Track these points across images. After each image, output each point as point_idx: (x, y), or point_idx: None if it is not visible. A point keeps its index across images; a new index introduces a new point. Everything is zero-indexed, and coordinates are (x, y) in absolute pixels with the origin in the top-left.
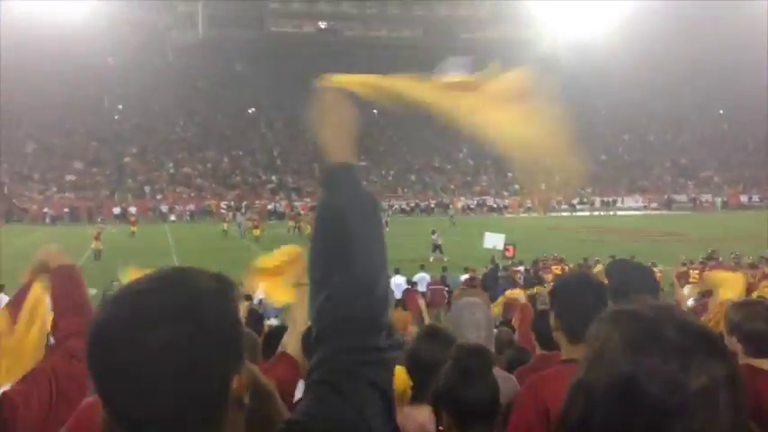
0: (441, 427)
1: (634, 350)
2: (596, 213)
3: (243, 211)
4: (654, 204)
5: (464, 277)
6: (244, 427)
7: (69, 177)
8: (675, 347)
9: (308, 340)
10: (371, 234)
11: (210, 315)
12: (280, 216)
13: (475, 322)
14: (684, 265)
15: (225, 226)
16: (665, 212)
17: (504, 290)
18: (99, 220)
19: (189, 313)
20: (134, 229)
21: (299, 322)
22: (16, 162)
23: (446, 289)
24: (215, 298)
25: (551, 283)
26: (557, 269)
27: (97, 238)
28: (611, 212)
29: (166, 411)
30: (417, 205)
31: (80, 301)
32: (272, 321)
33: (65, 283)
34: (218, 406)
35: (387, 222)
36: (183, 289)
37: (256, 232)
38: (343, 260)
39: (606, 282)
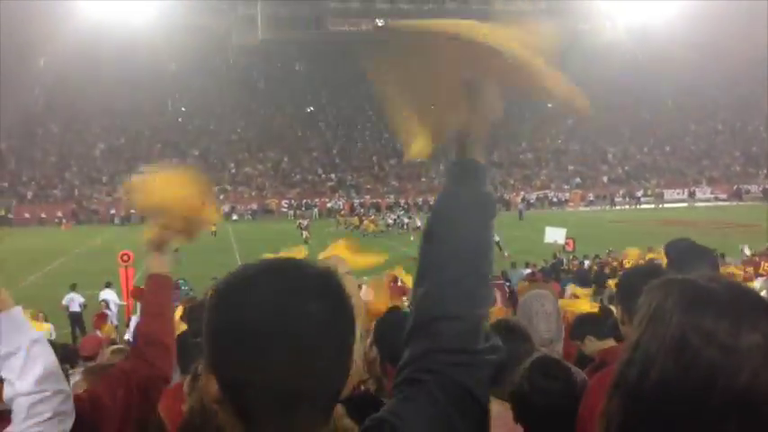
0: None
1: (686, 311)
2: (662, 206)
3: (303, 210)
4: (723, 195)
5: (526, 272)
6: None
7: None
8: (727, 307)
9: (381, 331)
10: (486, 236)
11: (344, 294)
12: (340, 214)
13: (545, 314)
14: (755, 256)
15: (297, 223)
16: (735, 203)
17: (567, 284)
18: None
19: (329, 289)
20: (214, 228)
21: None
22: (85, 165)
23: (507, 284)
24: (338, 278)
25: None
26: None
27: None
28: (678, 204)
29: (323, 383)
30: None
31: (165, 311)
32: None
33: (157, 290)
34: (342, 386)
35: None
36: (314, 267)
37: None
38: (453, 258)
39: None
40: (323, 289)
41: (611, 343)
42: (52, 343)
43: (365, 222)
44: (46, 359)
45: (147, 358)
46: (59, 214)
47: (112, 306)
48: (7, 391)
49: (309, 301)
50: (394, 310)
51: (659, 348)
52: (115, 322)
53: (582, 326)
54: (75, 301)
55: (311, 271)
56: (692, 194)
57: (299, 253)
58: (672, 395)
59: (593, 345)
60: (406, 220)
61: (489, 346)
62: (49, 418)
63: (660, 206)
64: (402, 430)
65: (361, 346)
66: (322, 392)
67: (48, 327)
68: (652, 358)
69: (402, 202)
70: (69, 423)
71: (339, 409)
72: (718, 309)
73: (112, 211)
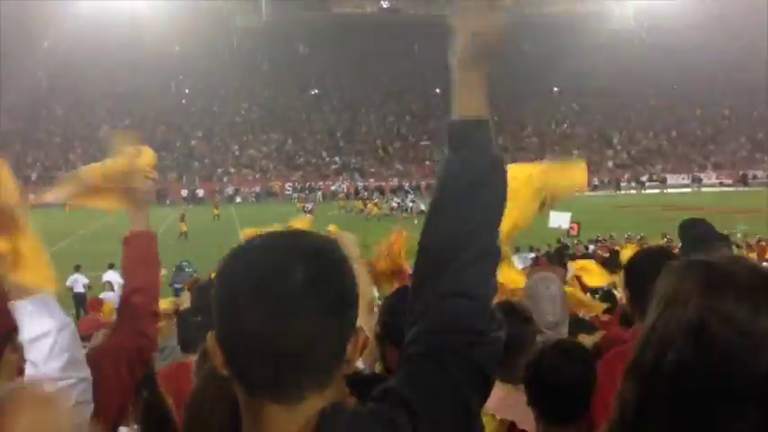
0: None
1: (705, 293)
2: (666, 191)
3: (306, 194)
4: (729, 181)
5: (530, 256)
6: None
7: None
8: (746, 290)
9: (390, 309)
10: (496, 206)
11: (340, 263)
12: (346, 197)
13: (550, 297)
14: (760, 241)
15: (299, 206)
16: (740, 189)
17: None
18: (167, 202)
19: (324, 256)
20: (217, 211)
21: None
22: (89, 147)
23: None
24: (338, 249)
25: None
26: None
27: (182, 219)
28: (683, 190)
29: (301, 344)
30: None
31: (150, 269)
32: None
33: (139, 247)
34: (338, 354)
35: None
36: (312, 238)
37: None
38: (463, 231)
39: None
40: (309, 251)
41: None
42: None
43: (369, 206)
44: (73, 345)
45: (137, 329)
46: None
47: (116, 287)
48: (31, 372)
49: (293, 263)
50: (404, 289)
51: (677, 331)
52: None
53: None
54: (79, 282)
55: (302, 238)
56: (696, 180)
57: (305, 223)
58: (688, 379)
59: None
60: (410, 204)
61: (496, 323)
62: (74, 406)
63: (665, 191)
64: (412, 401)
65: (370, 320)
66: (312, 352)
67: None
68: (669, 341)
69: (406, 185)
70: (89, 411)
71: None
72: (738, 291)
73: None
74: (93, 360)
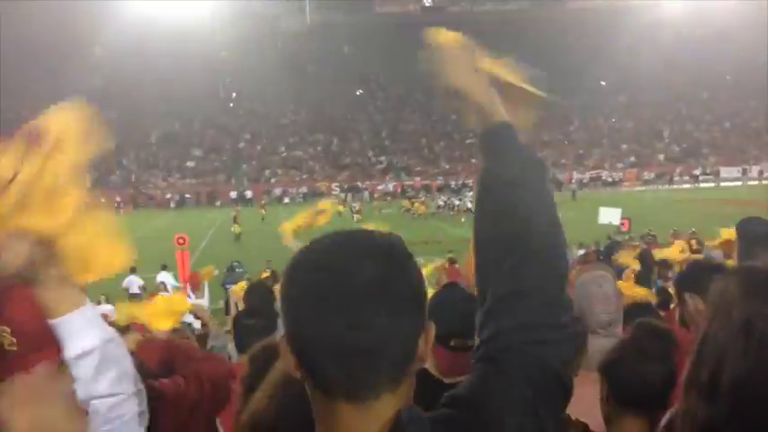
0: (600, 396)
1: (748, 297)
2: (721, 184)
3: (353, 195)
4: None
5: (580, 252)
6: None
7: (190, 164)
8: None
9: (432, 306)
10: (545, 203)
11: (409, 263)
12: (392, 196)
13: (603, 295)
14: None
15: (340, 208)
16: None
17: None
18: (218, 203)
19: (394, 256)
20: (263, 212)
21: None
22: (141, 151)
23: None
24: (405, 249)
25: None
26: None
27: (235, 221)
28: (737, 183)
29: (374, 344)
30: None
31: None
32: None
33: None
34: (410, 354)
35: None
36: (380, 236)
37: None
38: (517, 233)
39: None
40: (377, 250)
41: None
42: (114, 323)
43: (416, 205)
44: (121, 359)
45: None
46: (118, 199)
47: (169, 288)
48: (81, 392)
49: (364, 259)
50: (451, 286)
51: (726, 339)
52: None
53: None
54: (134, 283)
55: (369, 236)
56: (746, 173)
57: (327, 208)
58: (748, 385)
59: None
60: (456, 202)
61: (569, 319)
62: (128, 421)
63: (720, 185)
64: (478, 409)
65: None
66: (384, 350)
67: (108, 308)
68: (721, 351)
69: (452, 183)
70: (146, 420)
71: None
72: None
73: (168, 196)
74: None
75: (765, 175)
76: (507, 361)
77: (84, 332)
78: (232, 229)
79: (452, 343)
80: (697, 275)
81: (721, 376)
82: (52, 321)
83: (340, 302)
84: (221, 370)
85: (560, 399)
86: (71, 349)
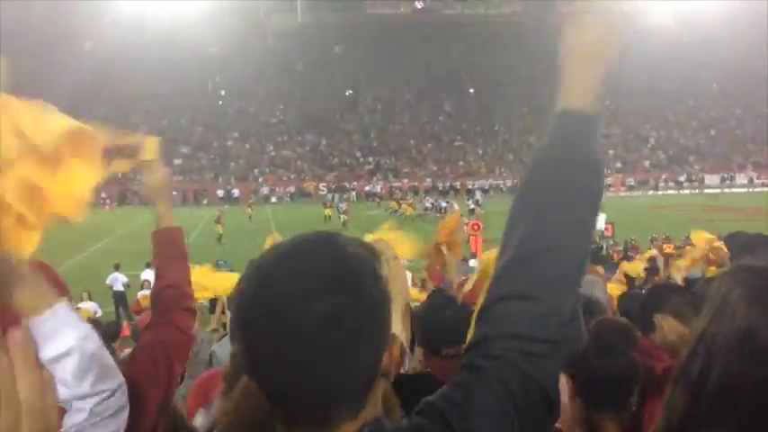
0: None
1: (753, 303)
2: (706, 191)
3: (340, 195)
4: None
5: None
6: (381, 400)
7: (177, 161)
8: None
9: (419, 312)
10: (588, 207)
11: (366, 285)
12: (378, 197)
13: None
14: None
15: (328, 212)
16: None
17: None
18: (204, 202)
19: (347, 283)
20: (251, 211)
21: (397, 301)
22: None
23: None
24: (367, 266)
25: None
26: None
27: (219, 221)
28: (723, 190)
29: (329, 383)
30: (516, 185)
31: (180, 269)
32: None
33: (166, 242)
34: (371, 378)
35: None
36: (337, 256)
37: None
38: (545, 230)
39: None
40: (337, 283)
41: None
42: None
43: (403, 206)
44: (99, 355)
45: (172, 324)
46: (104, 195)
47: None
48: (63, 394)
49: (312, 297)
50: (437, 294)
51: (726, 341)
52: None
53: None
54: (118, 280)
55: (328, 263)
56: (732, 179)
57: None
58: (734, 392)
59: None
60: (443, 204)
61: (568, 333)
62: (111, 415)
63: (703, 191)
64: (452, 417)
65: (408, 321)
66: (342, 389)
67: (92, 305)
68: (716, 352)
69: (440, 185)
70: (126, 413)
71: (385, 384)
72: None
73: None
74: (132, 359)
75: (754, 182)
76: (492, 372)
77: (58, 333)
78: (215, 229)
79: (444, 352)
80: (661, 295)
81: (710, 376)
82: (24, 324)
83: (288, 347)
84: (177, 338)
85: (545, 417)
86: (47, 352)
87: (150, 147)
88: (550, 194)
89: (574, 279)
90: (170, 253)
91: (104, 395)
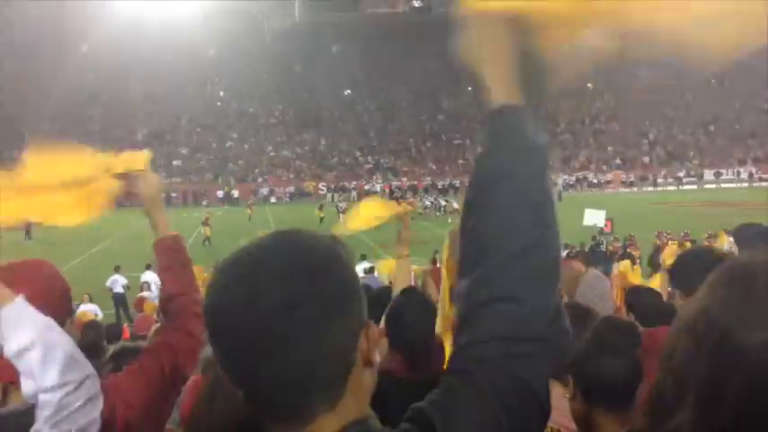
0: (568, 396)
1: (731, 304)
2: (705, 187)
3: (339, 195)
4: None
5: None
6: (373, 387)
7: (176, 163)
8: (762, 283)
9: (390, 312)
10: (537, 200)
11: (326, 269)
12: (380, 196)
13: (599, 297)
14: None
15: (320, 214)
16: None
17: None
18: (204, 203)
19: (302, 270)
20: (250, 212)
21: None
22: (127, 149)
23: None
24: (325, 251)
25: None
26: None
27: (206, 222)
28: (723, 185)
29: (300, 368)
30: None
31: (182, 264)
32: None
33: (167, 251)
34: (347, 363)
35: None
36: (293, 248)
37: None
38: (505, 230)
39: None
40: (291, 272)
41: None
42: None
43: (403, 205)
44: (64, 345)
45: (183, 329)
46: None
47: (153, 287)
48: (28, 388)
49: (265, 286)
50: (409, 291)
51: (683, 325)
52: (157, 303)
53: None
54: (118, 282)
55: (285, 254)
56: (736, 174)
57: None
58: (692, 370)
59: None
60: (443, 203)
61: (555, 331)
62: (81, 406)
63: (703, 187)
64: (439, 423)
65: None
66: (311, 375)
67: (92, 307)
68: (675, 335)
69: (439, 184)
70: (100, 403)
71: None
72: (749, 283)
73: None
74: (138, 359)
75: (752, 177)
76: (480, 375)
77: (18, 327)
78: (202, 231)
79: (411, 352)
80: (688, 270)
81: (671, 363)
82: None
83: (248, 337)
84: (188, 343)
85: (535, 419)
86: (9, 346)
87: (140, 159)
88: (503, 194)
89: (551, 274)
90: (174, 262)
91: (71, 386)
